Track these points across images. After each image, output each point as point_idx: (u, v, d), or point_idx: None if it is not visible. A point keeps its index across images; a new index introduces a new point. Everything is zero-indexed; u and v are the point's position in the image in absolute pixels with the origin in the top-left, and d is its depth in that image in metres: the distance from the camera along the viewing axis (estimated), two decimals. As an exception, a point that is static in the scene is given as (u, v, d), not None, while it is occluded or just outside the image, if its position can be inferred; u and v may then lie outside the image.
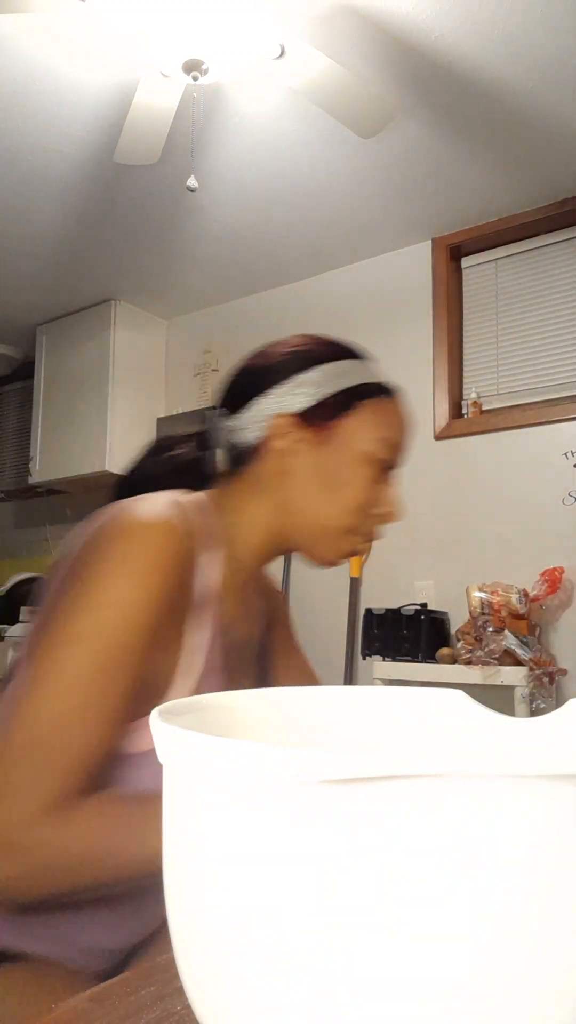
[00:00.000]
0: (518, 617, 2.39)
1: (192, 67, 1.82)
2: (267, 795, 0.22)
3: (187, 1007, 0.40)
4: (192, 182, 1.98)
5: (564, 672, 2.34)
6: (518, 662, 2.28)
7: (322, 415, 0.80)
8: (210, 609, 0.75)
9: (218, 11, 1.72)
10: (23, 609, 3.47)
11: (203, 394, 3.51)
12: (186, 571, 0.71)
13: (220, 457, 0.87)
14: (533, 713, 2.23)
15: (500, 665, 2.27)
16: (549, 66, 2.04)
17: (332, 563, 0.84)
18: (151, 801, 0.64)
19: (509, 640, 2.30)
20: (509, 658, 2.29)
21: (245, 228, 2.88)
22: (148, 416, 3.57)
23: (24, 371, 4.05)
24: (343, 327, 3.14)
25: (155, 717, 0.27)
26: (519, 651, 2.30)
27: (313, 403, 0.79)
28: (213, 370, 3.50)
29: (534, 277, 2.77)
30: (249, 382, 0.83)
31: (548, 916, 0.21)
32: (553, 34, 1.94)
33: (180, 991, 0.42)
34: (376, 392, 0.82)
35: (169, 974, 0.44)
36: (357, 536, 0.82)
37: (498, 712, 0.38)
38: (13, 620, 3.40)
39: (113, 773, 0.67)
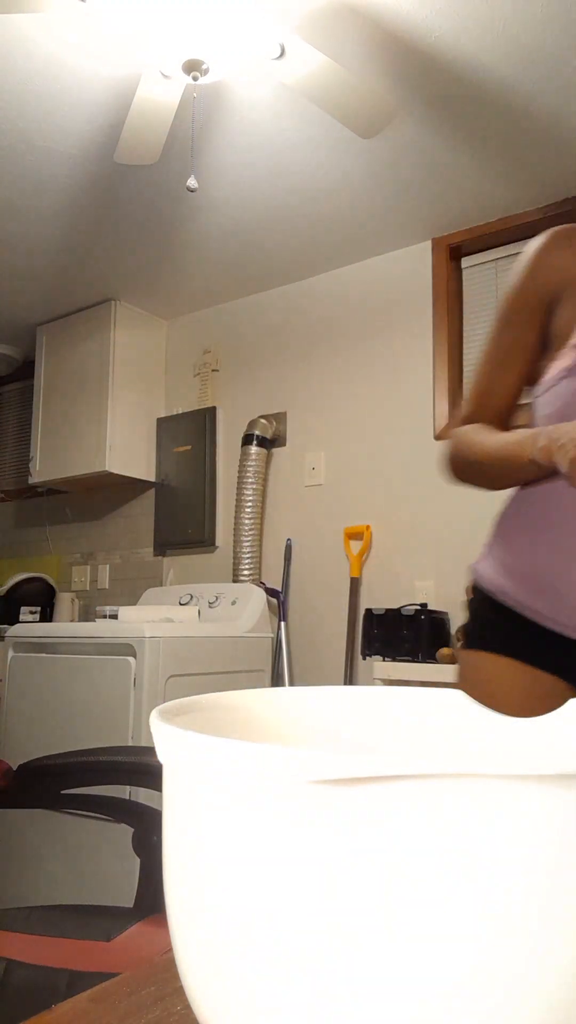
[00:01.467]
0: (518, 617, 2.39)
1: (192, 67, 1.82)
2: (267, 795, 0.22)
3: (187, 1007, 0.40)
4: (192, 182, 1.98)
5: (564, 672, 2.34)
6: (518, 662, 2.28)
7: None
8: None
9: (218, 11, 1.72)
10: (23, 609, 3.47)
11: (203, 394, 3.50)
12: (565, 256, 0.99)
13: None
14: (533, 713, 2.22)
15: (500, 665, 2.27)
16: (549, 66, 2.04)
17: None
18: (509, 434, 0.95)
19: (509, 640, 2.29)
20: (509, 658, 2.29)
21: (245, 228, 2.88)
22: (148, 416, 3.56)
23: (24, 371, 4.06)
24: (343, 327, 3.14)
25: (155, 717, 0.27)
26: (519, 651, 2.29)
27: None
28: (213, 370, 3.49)
29: (534, 277, 2.77)
30: None
31: (548, 916, 0.21)
32: (553, 34, 1.94)
33: (180, 991, 0.42)
34: None
35: (169, 974, 0.44)
36: None
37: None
38: (13, 620, 3.39)
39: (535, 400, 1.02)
